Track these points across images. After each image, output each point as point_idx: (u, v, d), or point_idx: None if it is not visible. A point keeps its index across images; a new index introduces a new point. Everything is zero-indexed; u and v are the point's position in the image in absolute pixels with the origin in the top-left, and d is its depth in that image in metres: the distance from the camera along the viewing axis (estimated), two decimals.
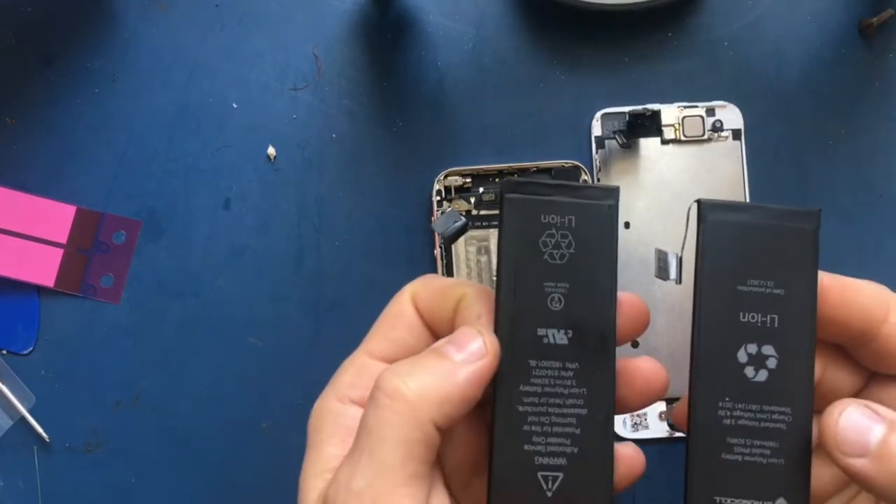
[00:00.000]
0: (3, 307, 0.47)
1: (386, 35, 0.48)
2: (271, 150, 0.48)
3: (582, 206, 0.27)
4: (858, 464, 0.24)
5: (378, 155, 0.48)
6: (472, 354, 0.26)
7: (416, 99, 0.48)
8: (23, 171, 0.48)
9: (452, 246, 0.47)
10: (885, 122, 0.48)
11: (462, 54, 0.48)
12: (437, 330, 0.30)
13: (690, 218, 0.29)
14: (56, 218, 0.47)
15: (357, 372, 0.30)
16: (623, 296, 0.28)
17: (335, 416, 0.29)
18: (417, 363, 0.27)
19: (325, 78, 0.48)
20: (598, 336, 0.26)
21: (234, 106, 0.48)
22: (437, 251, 0.47)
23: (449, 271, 0.47)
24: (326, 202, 0.48)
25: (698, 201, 0.28)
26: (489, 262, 0.47)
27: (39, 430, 0.47)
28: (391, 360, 0.29)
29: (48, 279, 0.47)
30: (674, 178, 0.47)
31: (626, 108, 0.47)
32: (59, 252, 0.47)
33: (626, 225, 0.47)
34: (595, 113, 0.48)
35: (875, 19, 0.47)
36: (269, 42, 0.48)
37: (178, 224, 0.48)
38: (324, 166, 0.48)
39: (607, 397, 0.26)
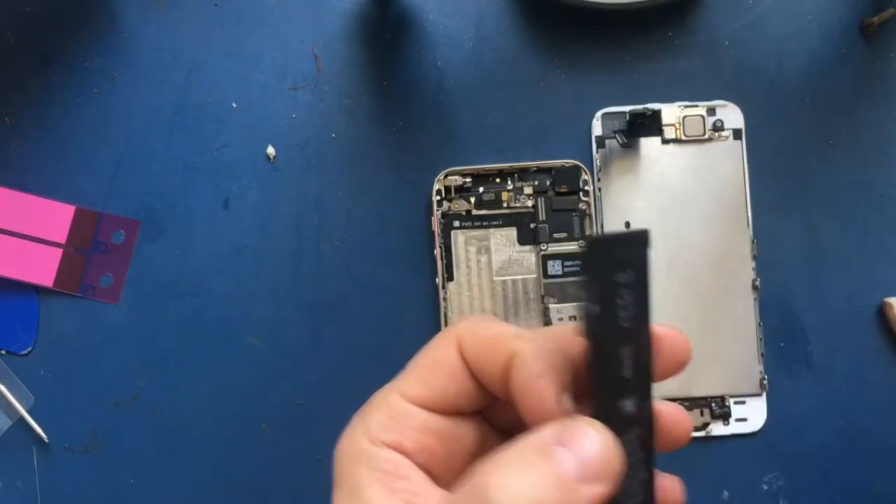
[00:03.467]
0: (2, 307, 0.47)
1: (386, 35, 0.48)
2: (271, 150, 0.48)
3: (640, 256, 0.24)
4: None
5: (378, 155, 0.48)
6: (591, 471, 0.23)
7: (416, 99, 0.48)
8: (22, 171, 0.48)
9: (452, 246, 0.47)
10: (886, 121, 0.48)
11: (462, 54, 0.48)
12: (484, 383, 0.27)
13: None
14: (55, 218, 0.47)
15: (391, 413, 0.27)
16: (665, 332, 0.26)
17: (368, 457, 0.26)
18: (529, 473, 0.22)
19: (324, 77, 0.48)
20: (648, 396, 0.24)
21: (234, 106, 0.48)
22: (437, 251, 0.47)
23: (449, 271, 0.47)
24: (326, 202, 0.48)
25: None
26: (489, 261, 0.47)
27: (38, 430, 0.47)
28: (427, 406, 0.27)
29: (47, 279, 0.47)
30: (674, 177, 0.47)
31: (627, 108, 0.47)
32: (59, 252, 0.47)
33: (627, 225, 0.47)
34: (595, 113, 0.48)
35: (876, 18, 0.47)
36: (268, 42, 0.48)
37: (178, 224, 0.48)
38: (323, 166, 0.48)
39: (652, 452, 0.24)
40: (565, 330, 0.27)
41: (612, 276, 0.24)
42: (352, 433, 0.27)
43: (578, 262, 0.24)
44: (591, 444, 0.23)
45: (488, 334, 0.27)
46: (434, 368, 0.27)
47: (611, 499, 0.23)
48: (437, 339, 0.28)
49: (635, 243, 0.24)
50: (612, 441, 0.23)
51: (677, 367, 0.26)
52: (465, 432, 0.27)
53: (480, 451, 0.28)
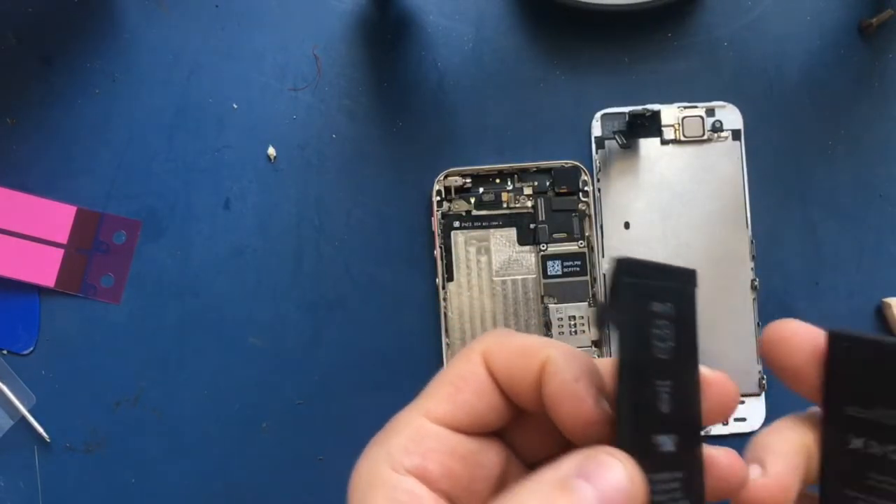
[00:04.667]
0: (3, 307, 0.47)
1: (386, 35, 0.48)
2: (271, 151, 0.48)
3: (679, 291, 0.23)
4: None
5: (378, 155, 0.48)
6: (612, 500, 0.22)
7: (416, 99, 0.48)
8: (23, 171, 0.48)
9: (452, 246, 0.47)
10: (885, 122, 0.48)
11: (462, 55, 0.48)
12: (514, 395, 0.26)
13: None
14: (56, 218, 0.47)
15: (414, 436, 0.26)
16: (712, 376, 0.25)
17: (387, 486, 0.25)
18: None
19: (325, 78, 0.48)
20: (695, 437, 0.23)
21: (234, 106, 0.48)
22: (437, 251, 0.47)
23: (449, 272, 0.47)
24: (326, 202, 0.48)
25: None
26: (489, 262, 0.47)
27: (40, 429, 0.47)
28: (453, 426, 0.26)
29: (48, 279, 0.47)
30: (674, 178, 0.47)
31: (626, 109, 0.47)
32: (60, 252, 0.47)
33: (626, 225, 0.47)
34: (595, 113, 0.48)
35: (874, 19, 0.47)
36: (269, 42, 0.48)
37: (179, 224, 0.48)
38: (324, 166, 0.48)
39: (696, 498, 0.23)
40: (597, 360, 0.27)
41: (647, 304, 0.23)
42: (371, 458, 0.26)
43: (612, 281, 0.23)
44: (615, 476, 0.22)
45: (518, 344, 0.26)
46: (460, 384, 0.26)
47: None
48: (460, 356, 0.27)
49: (681, 279, 0.24)
50: (638, 475, 0.22)
51: (723, 413, 0.25)
52: (490, 459, 0.27)
53: (504, 480, 0.27)
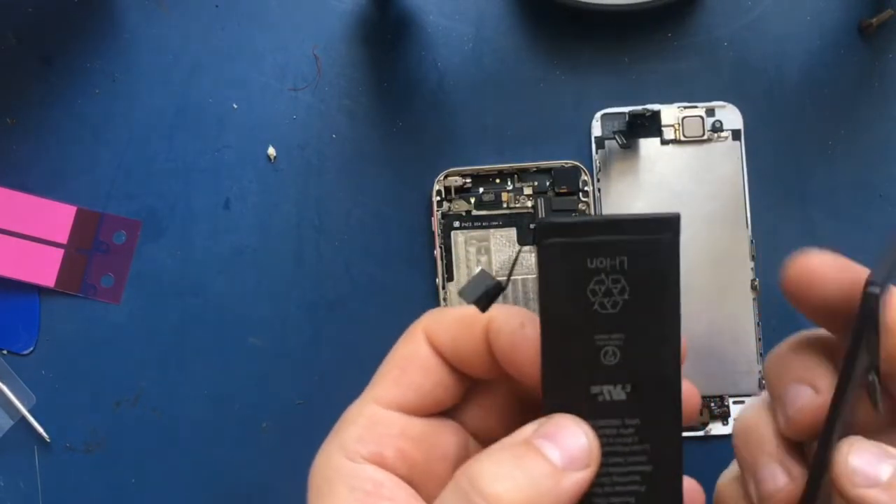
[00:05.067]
0: (3, 307, 0.47)
1: (386, 35, 0.48)
2: (271, 151, 0.48)
3: (633, 243, 0.23)
4: (871, 493, 0.24)
5: (378, 155, 0.48)
6: (575, 460, 0.23)
7: (416, 99, 0.48)
8: (23, 171, 0.48)
9: (452, 246, 0.47)
10: (885, 122, 0.48)
11: (462, 54, 0.48)
12: (463, 365, 0.27)
13: None
14: (56, 218, 0.47)
15: (367, 424, 0.26)
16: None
17: (346, 476, 0.25)
18: (516, 464, 0.23)
19: (325, 78, 0.48)
20: (661, 386, 0.24)
21: (234, 106, 0.48)
22: (437, 251, 0.47)
23: (449, 272, 0.47)
24: (326, 202, 0.48)
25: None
26: (489, 262, 0.47)
27: (40, 430, 0.47)
28: (405, 408, 0.27)
29: (48, 279, 0.47)
30: (673, 178, 0.47)
31: (626, 109, 0.47)
32: (60, 252, 0.47)
33: None
34: (595, 113, 0.48)
35: (874, 19, 0.47)
36: (269, 42, 0.48)
37: (179, 224, 0.48)
38: (324, 166, 0.48)
39: (674, 449, 0.24)
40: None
41: (579, 262, 0.23)
42: (327, 450, 0.26)
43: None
44: (574, 438, 0.23)
45: (457, 315, 0.27)
46: (405, 366, 0.27)
47: (593, 483, 0.24)
48: (402, 338, 0.28)
49: (641, 230, 0.23)
50: (591, 432, 0.24)
51: (687, 417, 0.25)
52: (445, 438, 0.27)
53: (461, 458, 0.27)
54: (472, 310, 0.26)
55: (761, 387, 0.47)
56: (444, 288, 0.47)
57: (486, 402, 0.28)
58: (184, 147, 0.48)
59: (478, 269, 0.36)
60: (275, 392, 0.47)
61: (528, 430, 0.24)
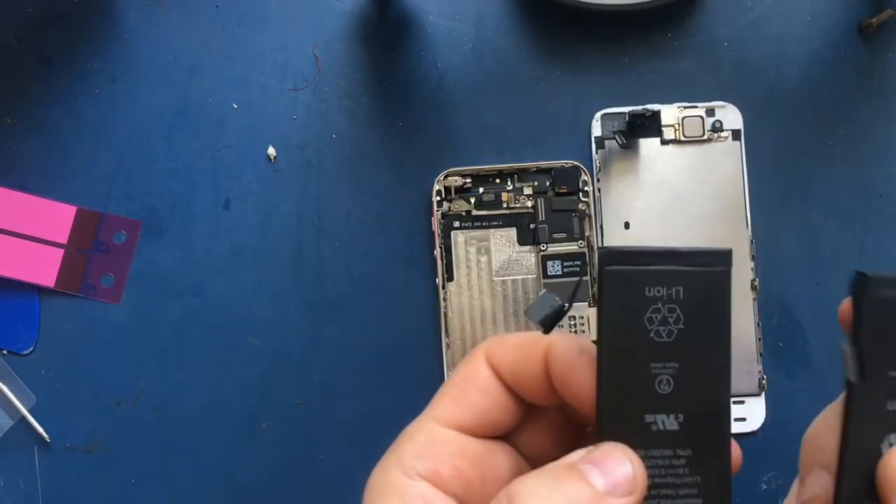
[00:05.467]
0: (3, 307, 0.47)
1: (386, 35, 0.48)
2: (271, 151, 0.48)
3: (690, 274, 0.24)
4: None
5: (378, 155, 0.48)
6: (618, 486, 0.23)
7: (416, 99, 0.48)
8: (23, 171, 0.48)
9: (452, 246, 0.47)
10: (885, 122, 0.48)
11: (462, 55, 0.48)
12: (521, 389, 0.27)
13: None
14: (56, 218, 0.47)
15: (425, 441, 0.27)
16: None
17: (400, 492, 0.26)
18: (556, 486, 0.23)
19: (324, 78, 0.48)
20: (712, 417, 0.24)
21: (234, 106, 0.48)
22: (437, 251, 0.47)
23: (449, 272, 0.47)
24: (326, 202, 0.48)
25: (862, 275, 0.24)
26: (489, 262, 0.47)
27: (40, 430, 0.47)
28: (463, 428, 0.27)
29: (48, 279, 0.47)
30: (674, 178, 0.47)
31: (626, 109, 0.47)
32: (60, 252, 0.48)
33: (626, 225, 0.47)
34: (595, 113, 0.48)
35: (874, 19, 0.47)
36: (269, 42, 0.48)
37: (179, 224, 0.48)
38: (324, 166, 0.48)
39: (723, 483, 0.25)
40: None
41: (639, 290, 0.24)
42: (384, 465, 0.27)
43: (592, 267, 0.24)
44: (620, 465, 0.23)
45: (518, 340, 0.28)
46: (465, 386, 0.27)
47: None
48: (464, 361, 0.28)
49: (696, 261, 0.24)
50: (638, 461, 0.24)
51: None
52: (500, 461, 0.27)
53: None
54: (533, 335, 0.27)
55: (761, 387, 0.47)
56: (444, 288, 0.47)
57: (542, 427, 0.29)
58: (184, 147, 0.48)
59: (542, 291, 0.37)
60: (275, 392, 0.47)
61: (575, 455, 0.24)
